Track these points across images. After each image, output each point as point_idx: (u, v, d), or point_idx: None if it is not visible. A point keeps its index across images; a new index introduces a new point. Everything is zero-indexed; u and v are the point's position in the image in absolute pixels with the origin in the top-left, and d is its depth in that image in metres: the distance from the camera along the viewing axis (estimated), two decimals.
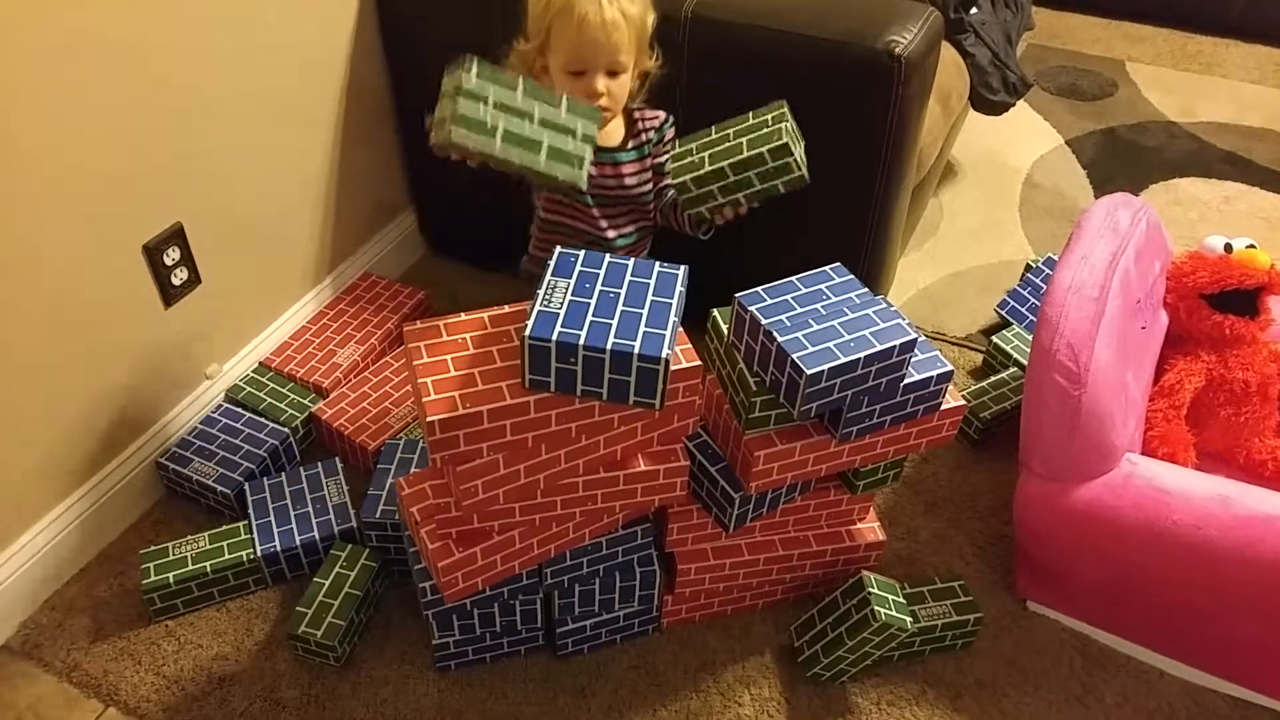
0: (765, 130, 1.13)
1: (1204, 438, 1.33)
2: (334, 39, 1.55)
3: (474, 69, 1.00)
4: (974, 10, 1.85)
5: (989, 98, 1.86)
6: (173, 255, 1.36)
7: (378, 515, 1.29)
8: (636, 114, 1.29)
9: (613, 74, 1.18)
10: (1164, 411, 1.29)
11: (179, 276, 1.38)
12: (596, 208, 1.29)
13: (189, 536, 1.32)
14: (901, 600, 1.21)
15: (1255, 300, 1.31)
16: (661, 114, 1.31)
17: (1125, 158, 2.28)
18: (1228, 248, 1.34)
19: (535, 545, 1.09)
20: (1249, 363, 1.31)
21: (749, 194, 1.16)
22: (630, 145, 1.27)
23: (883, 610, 1.16)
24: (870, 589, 1.19)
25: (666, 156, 1.24)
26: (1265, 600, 1.10)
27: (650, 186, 1.31)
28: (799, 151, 1.15)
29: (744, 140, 1.14)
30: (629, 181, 1.28)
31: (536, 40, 1.18)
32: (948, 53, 1.70)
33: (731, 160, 1.13)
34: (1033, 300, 1.75)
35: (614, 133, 1.27)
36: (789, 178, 1.13)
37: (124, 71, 1.21)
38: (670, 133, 1.31)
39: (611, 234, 1.31)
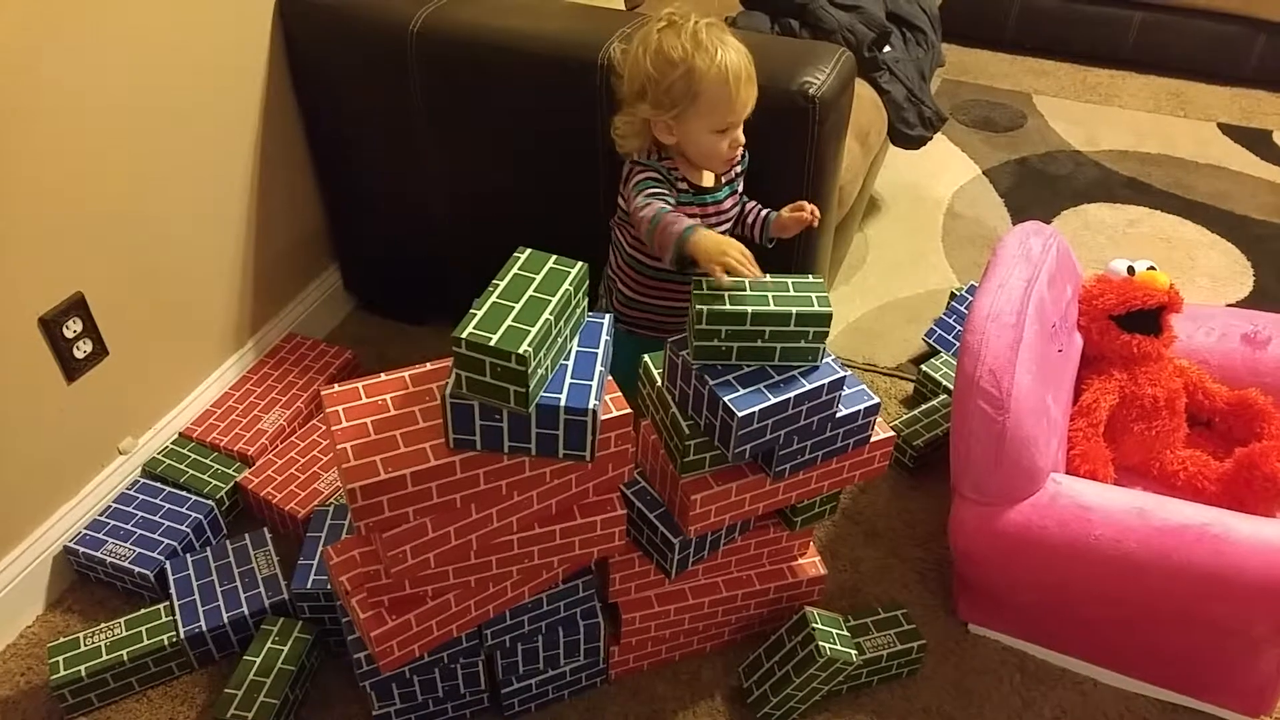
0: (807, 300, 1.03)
1: (1120, 453, 1.38)
2: (245, 91, 1.52)
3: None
4: (887, 49, 1.91)
5: (906, 132, 1.92)
6: (74, 327, 1.29)
7: (309, 585, 1.24)
8: None
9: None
10: (1083, 430, 1.33)
11: (82, 349, 1.32)
12: None
13: (103, 624, 1.25)
14: (846, 633, 1.21)
15: (1158, 319, 1.37)
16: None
17: (1038, 186, 2.37)
18: (1130, 270, 1.40)
19: (473, 607, 1.06)
20: (1157, 379, 1.37)
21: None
22: (724, 182, 1.30)
23: (827, 645, 1.16)
24: (814, 625, 1.18)
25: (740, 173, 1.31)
26: (1184, 607, 1.13)
27: (738, 212, 1.34)
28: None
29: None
30: (730, 215, 1.32)
31: (674, 109, 1.18)
32: (864, 90, 1.75)
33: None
34: (958, 328, 1.79)
35: (710, 174, 1.29)
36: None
37: (13, 126, 1.14)
38: (746, 159, 1.33)
39: None
